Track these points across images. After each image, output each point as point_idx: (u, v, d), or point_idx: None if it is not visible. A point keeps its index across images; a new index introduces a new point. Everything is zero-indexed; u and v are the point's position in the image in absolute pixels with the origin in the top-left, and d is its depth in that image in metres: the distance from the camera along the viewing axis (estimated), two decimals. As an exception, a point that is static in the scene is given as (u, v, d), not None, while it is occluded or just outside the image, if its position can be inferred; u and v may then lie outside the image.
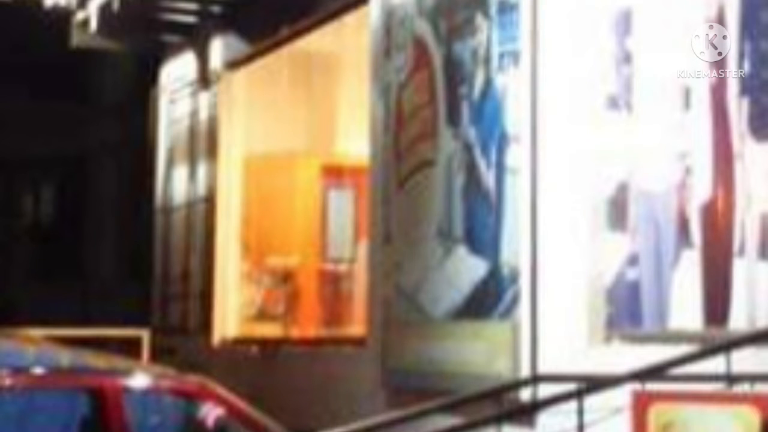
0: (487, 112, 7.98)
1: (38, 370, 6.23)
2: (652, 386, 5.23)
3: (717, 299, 6.36)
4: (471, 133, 8.11)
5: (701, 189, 6.49)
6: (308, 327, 11.72)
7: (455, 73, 8.32)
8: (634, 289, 6.85)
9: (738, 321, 6.22)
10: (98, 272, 20.66)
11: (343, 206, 11.59)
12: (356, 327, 10.46)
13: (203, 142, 13.15)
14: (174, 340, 12.83)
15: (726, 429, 4.77)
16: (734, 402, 4.84)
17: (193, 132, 13.50)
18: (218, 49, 12.85)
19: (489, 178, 7.90)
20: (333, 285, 11.69)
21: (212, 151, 12.87)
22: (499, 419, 5.88)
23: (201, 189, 13.14)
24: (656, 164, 6.78)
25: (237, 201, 12.62)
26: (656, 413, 4.90)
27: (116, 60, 18.89)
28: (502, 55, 7.88)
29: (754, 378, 5.13)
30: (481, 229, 7.95)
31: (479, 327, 7.87)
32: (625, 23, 7.05)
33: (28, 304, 18.87)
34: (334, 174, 11.81)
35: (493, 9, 7.96)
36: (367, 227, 9.82)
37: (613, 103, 7.07)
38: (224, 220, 12.60)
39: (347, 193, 11.59)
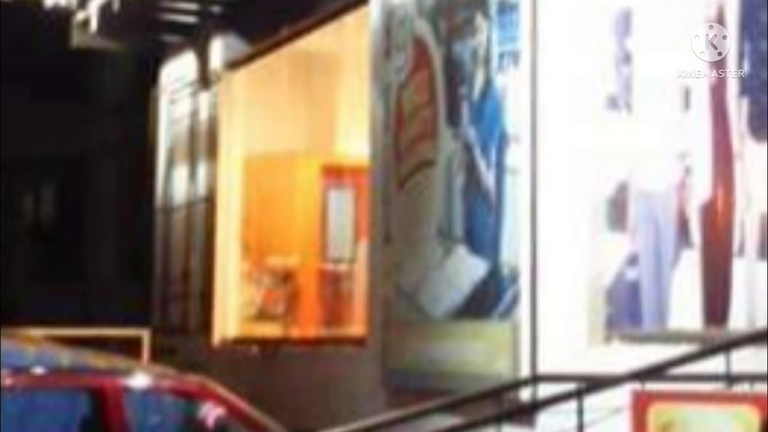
0: (487, 112, 7.98)
1: (38, 370, 6.23)
2: (652, 386, 5.23)
3: (717, 299, 6.36)
4: (471, 133, 8.11)
5: (701, 189, 6.49)
6: (308, 327, 11.71)
7: (455, 73, 8.32)
8: (634, 289, 6.85)
9: (738, 321, 6.23)
10: (98, 272, 20.67)
11: (343, 206, 11.58)
12: (356, 327, 10.46)
13: (203, 142, 13.14)
14: (174, 340, 12.83)
15: (726, 429, 4.77)
16: (734, 402, 4.85)
17: (193, 132, 13.50)
18: (218, 49, 12.85)
19: (489, 178, 7.89)
20: (333, 285, 11.68)
21: (212, 151, 12.87)
22: (499, 419, 5.89)
23: (201, 189, 13.14)
24: (656, 164, 6.78)
25: (237, 201, 12.61)
26: (656, 413, 4.91)
27: (116, 60, 18.90)
28: (502, 55, 7.88)
29: (753, 378, 5.13)
30: (481, 229, 7.95)
31: (479, 327, 7.86)
32: (625, 23, 7.05)
33: (29, 304, 18.84)
34: (334, 174, 11.80)
35: (493, 9, 7.96)
36: (367, 227, 9.81)
37: (613, 103, 7.07)
38: (224, 220, 12.60)
39: (347, 193, 11.58)
